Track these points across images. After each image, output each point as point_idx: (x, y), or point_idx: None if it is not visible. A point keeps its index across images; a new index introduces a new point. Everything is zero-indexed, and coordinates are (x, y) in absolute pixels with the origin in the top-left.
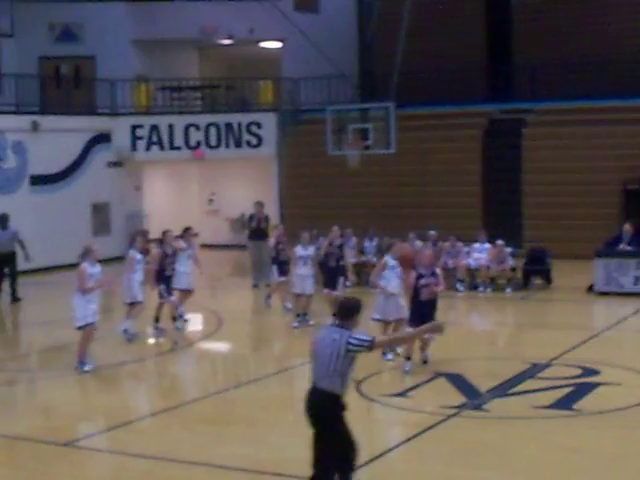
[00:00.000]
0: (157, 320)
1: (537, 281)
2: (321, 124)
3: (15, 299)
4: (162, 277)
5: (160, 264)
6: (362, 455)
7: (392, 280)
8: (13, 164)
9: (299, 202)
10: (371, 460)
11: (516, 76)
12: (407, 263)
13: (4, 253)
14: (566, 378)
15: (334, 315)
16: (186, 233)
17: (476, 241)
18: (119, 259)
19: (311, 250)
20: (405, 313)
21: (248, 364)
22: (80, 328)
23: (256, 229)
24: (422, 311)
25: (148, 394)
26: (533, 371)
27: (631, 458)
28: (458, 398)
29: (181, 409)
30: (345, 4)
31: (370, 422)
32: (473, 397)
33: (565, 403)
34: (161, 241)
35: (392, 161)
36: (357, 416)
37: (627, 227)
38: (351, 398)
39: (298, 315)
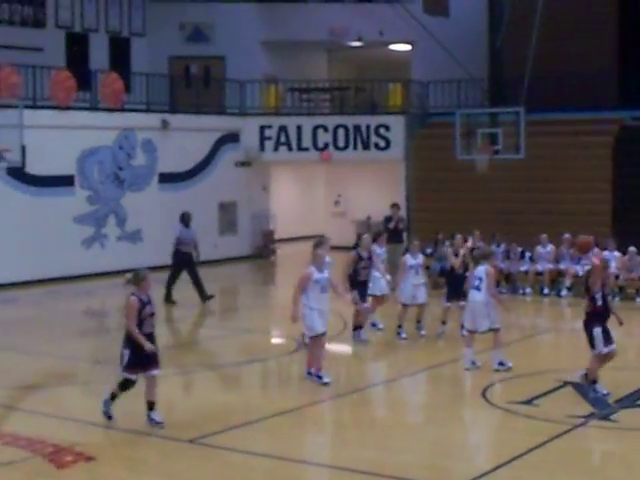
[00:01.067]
0: (360, 328)
1: None
2: (450, 128)
3: (207, 297)
4: (355, 282)
5: (354, 268)
6: (488, 462)
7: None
8: (142, 162)
9: (426, 206)
10: (496, 468)
11: None
12: (584, 249)
13: (188, 252)
14: None
15: None
16: (379, 237)
17: (605, 249)
18: (246, 259)
19: (420, 258)
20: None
21: (370, 368)
22: (310, 339)
23: (393, 231)
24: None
25: (271, 394)
26: None
27: None
28: (585, 408)
29: (304, 410)
30: (476, 8)
31: (495, 429)
32: (601, 407)
33: None
34: (356, 244)
35: (520, 166)
36: (482, 423)
37: None
38: (476, 405)
39: (400, 326)
